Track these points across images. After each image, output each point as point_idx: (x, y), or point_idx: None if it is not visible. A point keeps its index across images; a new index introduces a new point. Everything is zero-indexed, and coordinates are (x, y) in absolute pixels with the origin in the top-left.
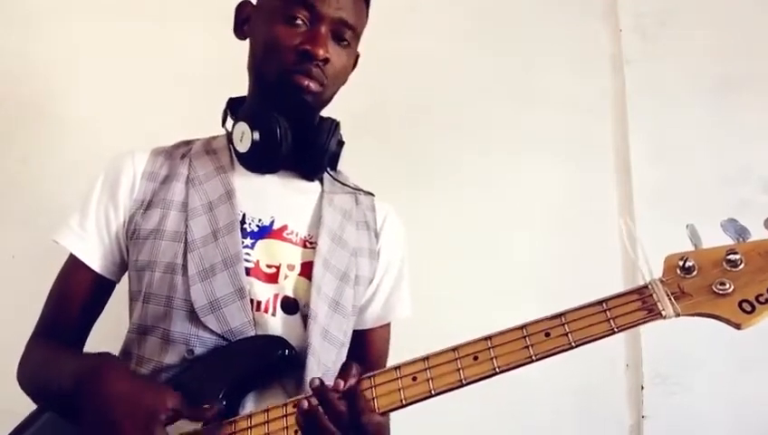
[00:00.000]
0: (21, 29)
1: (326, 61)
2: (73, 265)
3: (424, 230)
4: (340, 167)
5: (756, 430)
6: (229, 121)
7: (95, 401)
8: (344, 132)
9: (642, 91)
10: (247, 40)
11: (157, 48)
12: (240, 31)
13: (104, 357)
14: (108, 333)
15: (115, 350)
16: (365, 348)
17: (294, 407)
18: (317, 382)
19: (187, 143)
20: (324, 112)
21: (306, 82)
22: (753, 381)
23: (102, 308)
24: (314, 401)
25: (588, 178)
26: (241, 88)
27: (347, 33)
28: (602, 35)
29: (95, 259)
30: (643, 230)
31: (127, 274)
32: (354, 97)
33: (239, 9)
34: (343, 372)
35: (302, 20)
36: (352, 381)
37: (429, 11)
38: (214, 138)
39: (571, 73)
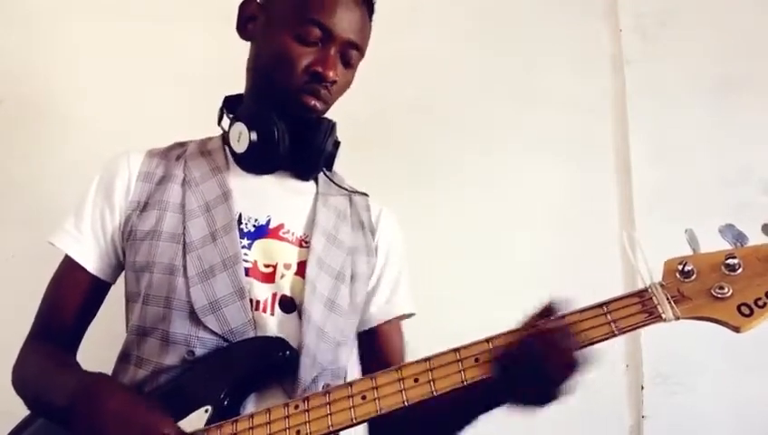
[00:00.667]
0: (21, 29)
1: (334, 83)
2: (69, 267)
3: (425, 230)
4: (337, 167)
5: (757, 430)
6: (225, 120)
7: (89, 421)
8: (346, 133)
9: (642, 91)
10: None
11: (157, 48)
12: (244, 29)
13: (99, 377)
14: (106, 334)
15: (111, 351)
16: (377, 346)
17: (296, 408)
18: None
19: (182, 145)
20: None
21: (313, 103)
22: (753, 382)
23: (98, 310)
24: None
25: (588, 179)
26: (241, 88)
27: (353, 55)
28: (602, 35)
29: (91, 261)
30: (643, 231)
31: (123, 275)
32: (355, 98)
33: (243, 6)
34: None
35: (314, 39)
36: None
37: (430, 11)
38: (208, 139)
39: (572, 74)
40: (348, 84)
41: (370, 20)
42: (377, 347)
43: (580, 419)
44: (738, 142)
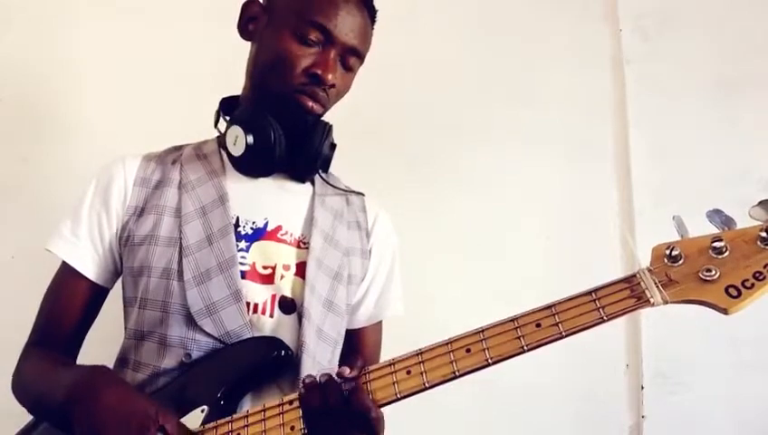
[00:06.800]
0: (21, 30)
1: (333, 86)
2: (66, 273)
3: (423, 230)
4: (334, 168)
5: (756, 430)
6: (222, 123)
7: (87, 412)
8: (344, 133)
9: (642, 91)
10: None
11: (157, 48)
12: (245, 30)
13: (98, 369)
14: (103, 337)
15: (110, 354)
16: (358, 347)
17: (291, 404)
18: (325, 377)
19: (178, 148)
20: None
21: (311, 105)
22: (753, 382)
23: (96, 315)
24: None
25: (588, 178)
26: (241, 88)
27: (353, 60)
28: (602, 36)
29: (88, 266)
30: (643, 230)
31: (121, 280)
32: (354, 97)
33: (246, 7)
34: (347, 363)
35: (315, 41)
36: (355, 372)
37: (429, 11)
38: (204, 142)
39: (572, 74)
40: (346, 89)
41: (372, 27)
42: (356, 344)
43: (580, 418)
44: (738, 142)
